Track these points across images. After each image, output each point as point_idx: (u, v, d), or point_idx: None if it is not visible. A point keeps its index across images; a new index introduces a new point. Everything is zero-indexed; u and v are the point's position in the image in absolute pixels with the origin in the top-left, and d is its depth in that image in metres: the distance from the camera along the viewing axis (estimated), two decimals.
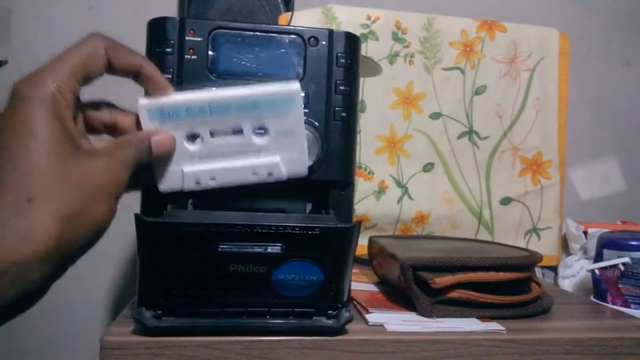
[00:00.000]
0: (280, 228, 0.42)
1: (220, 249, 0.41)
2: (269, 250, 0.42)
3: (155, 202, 0.45)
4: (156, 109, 0.41)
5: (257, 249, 0.42)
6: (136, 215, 0.42)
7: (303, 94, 0.44)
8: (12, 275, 0.31)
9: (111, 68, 0.39)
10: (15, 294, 0.31)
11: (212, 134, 0.42)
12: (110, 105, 0.42)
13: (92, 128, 0.41)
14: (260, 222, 0.42)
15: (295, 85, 0.42)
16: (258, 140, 0.42)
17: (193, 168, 0.42)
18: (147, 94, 0.41)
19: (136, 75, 0.40)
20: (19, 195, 0.32)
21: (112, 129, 0.41)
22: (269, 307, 0.45)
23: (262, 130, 0.42)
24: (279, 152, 0.43)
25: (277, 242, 0.42)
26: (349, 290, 0.48)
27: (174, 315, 0.44)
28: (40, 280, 0.32)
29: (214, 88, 0.43)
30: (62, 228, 0.32)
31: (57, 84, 0.35)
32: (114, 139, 0.40)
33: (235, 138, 0.42)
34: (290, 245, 0.43)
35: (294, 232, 0.42)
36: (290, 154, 0.43)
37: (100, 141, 0.40)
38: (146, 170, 0.41)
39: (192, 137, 0.42)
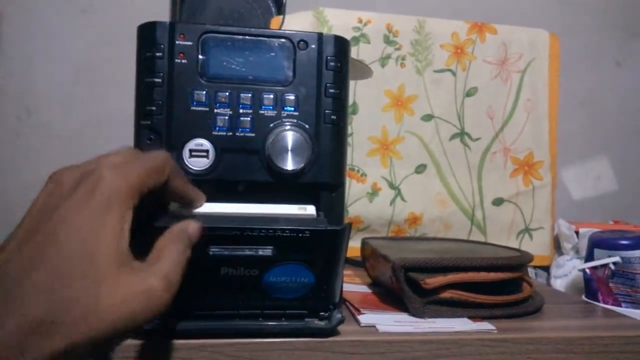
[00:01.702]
0: (271, 231, 0.42)
1: (211, 253, 0.42)
2: (260, 253, 0.42)
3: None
4: None
5: (248, 252, 0.42)
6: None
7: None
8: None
9: (162, 188, 0.38)
10: None
11: None
12: None
13: None
14: (251, 225, 0.42)
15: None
16: None
17: None
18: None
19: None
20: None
21: None
22: (261, 309, 0.45)
23: None
24: None
25: (268, 245, 0.42)
26: (341, 291, 0.48)
27: (165, 318, 0.44)
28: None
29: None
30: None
31: (133, 190, 0.34)
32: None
33: None
34: (281, 248, 0.43)
35: (284, 234, 0.42)
36: None
37: None
38: None
39: None
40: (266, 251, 0.43)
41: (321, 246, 0.44)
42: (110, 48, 0.94)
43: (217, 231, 0.41)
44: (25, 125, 0.95)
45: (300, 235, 0.42)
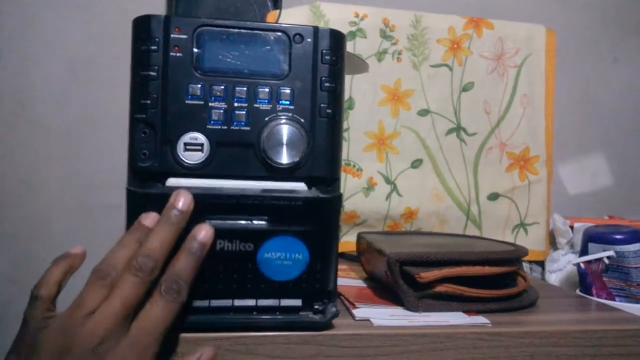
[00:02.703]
0: (265, 199, 0.44)
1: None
2: (255, 223, 0.44)
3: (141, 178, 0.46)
4: None
5: (243, 223, 0.44)
6: (127, 189, 0.43)
7: None
8: None
9: None
10: None
11: None
12: None
13: None
14: (246, 193, 0.44)
15: None
16: None
17: None
18: None
19: None
20: None
21: None
22: (256, 297, 0.45)
23: None
24: None
25: (262, 214, 0.44)
26: (336, 283, 0.48)
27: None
28: None
29: None
30: None
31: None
32: None
33: None
34: (274, 217, 0.44)
35: (278, 203, 0.44)
36: None
37: None
38: None
39: None
40: (260, 221, 0.44)
41: (314, 215, 0.45)
42: (106, 43, 0.94)
43: (212, 199, 0.43)
44: (21, 120, 0.95)
45: (293, 203, 0.44)
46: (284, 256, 0.45)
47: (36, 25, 0.94)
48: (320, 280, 0.46)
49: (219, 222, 0.43)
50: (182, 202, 0.41)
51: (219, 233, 0.43)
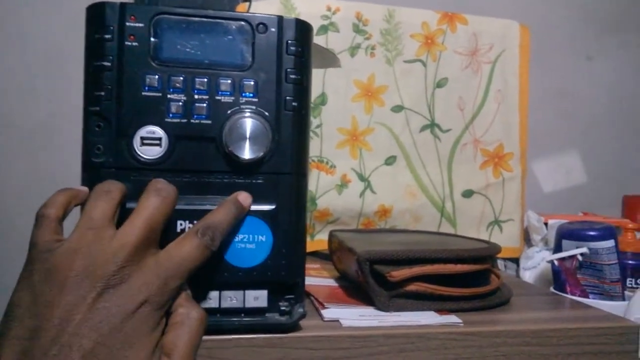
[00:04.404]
0: (226, 177, 0.44)
1: None
2: (216, 204, 0.42)
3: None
4: None
5: (205, 205, 0.43)
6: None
7: None
8: None
9: None
10: None
11: None
12: None
13: None
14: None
15: None
16: None
17: None
18: None
19: None
20: None
21: None
22: (219, 288, 0.44)
23: None
24: None
25: (224, 194, 0.43)
26: (303, 275, 0.47)
27: None
28: None
29: None
30: None
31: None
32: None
33: None
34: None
35: (239, 181, 0.44)
36: None
37: None
38: None
39: None
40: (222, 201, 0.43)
41: (276, 193, 0.45)
42: (74, 39, 0.91)
43: (173, 177, 0.43)
44: None
45: (254, 181, 0.44)
46: (246, 238, 0.44)
47: (2, 21, 0.91)
48: (287, 266, 0.45)
49: (181, 203, 0.41)
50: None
51: (179, 213, 0.42)
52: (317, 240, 0.85)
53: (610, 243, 0.66)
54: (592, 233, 0.67)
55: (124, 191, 0.40)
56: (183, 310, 0.36)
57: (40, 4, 0.92)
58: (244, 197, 0.43)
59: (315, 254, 0.84)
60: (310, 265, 0.74)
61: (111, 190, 0.38)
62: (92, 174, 0.43)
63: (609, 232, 0.67)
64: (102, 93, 0.42)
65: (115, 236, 0.35)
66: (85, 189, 0.41)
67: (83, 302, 0.32)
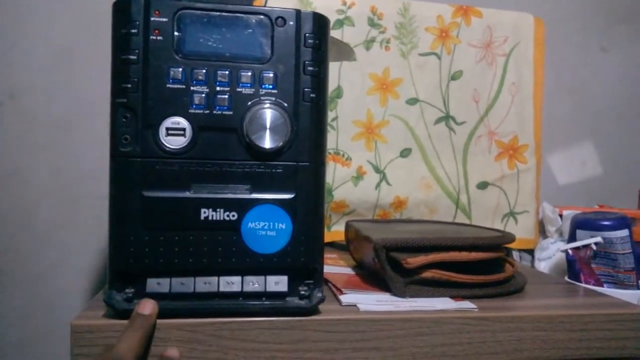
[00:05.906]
0: (247, 166, 0.46)
1: (191, 192, 0.45)
2: (238, 193, 0.45)
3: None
4: None
5: (227, 193, 0.45)
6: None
7: None
8: None
9: None
10: None
11: None
12: None
13: None
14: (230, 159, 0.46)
15: None
16: None
17: None
18: None
19: None
20: None
21: None
22: (241, 273, 0.46)
23: None
24: None
25: (245, 183, 0.46)
26: (322, 261, 0.48)
27: (144, 297, 0.44)
28: None
29: None
30: None
31: None
32: None
33: None
34: (257, 184, 0.46)
35: (259, 170, 0.46)
36: None
37: None
38: None
39: None
40: (244, 189, 0.46)
41: (295, 182, 0.47)
42: (94, 32, 0.93)
43: (197, 166, 0.45)
44: (9, 111, 0.94)
45: (274, 170, 0.46)
46: (267, 226, 0.46)
47: (24, 15, 0.93)
48: (306, 253, 0.46)
49: (204, 191, 0.45)
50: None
51: (203, 202, 0.45)
52: (334, 231, 0.87)
53: (624, 232, 0.67)
54: (606, 223, 0.68)
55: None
56: None
57: (56, 4, 0.94)
58: (142, 306, 0.43)
59: (332, 245, 0.85)
60: (328, 256, 0.76)
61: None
62: (120, 163, 0.45)
63: (623, 221, 0.67)
64: (129, 85, 0.44)
65: None
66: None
67: None
